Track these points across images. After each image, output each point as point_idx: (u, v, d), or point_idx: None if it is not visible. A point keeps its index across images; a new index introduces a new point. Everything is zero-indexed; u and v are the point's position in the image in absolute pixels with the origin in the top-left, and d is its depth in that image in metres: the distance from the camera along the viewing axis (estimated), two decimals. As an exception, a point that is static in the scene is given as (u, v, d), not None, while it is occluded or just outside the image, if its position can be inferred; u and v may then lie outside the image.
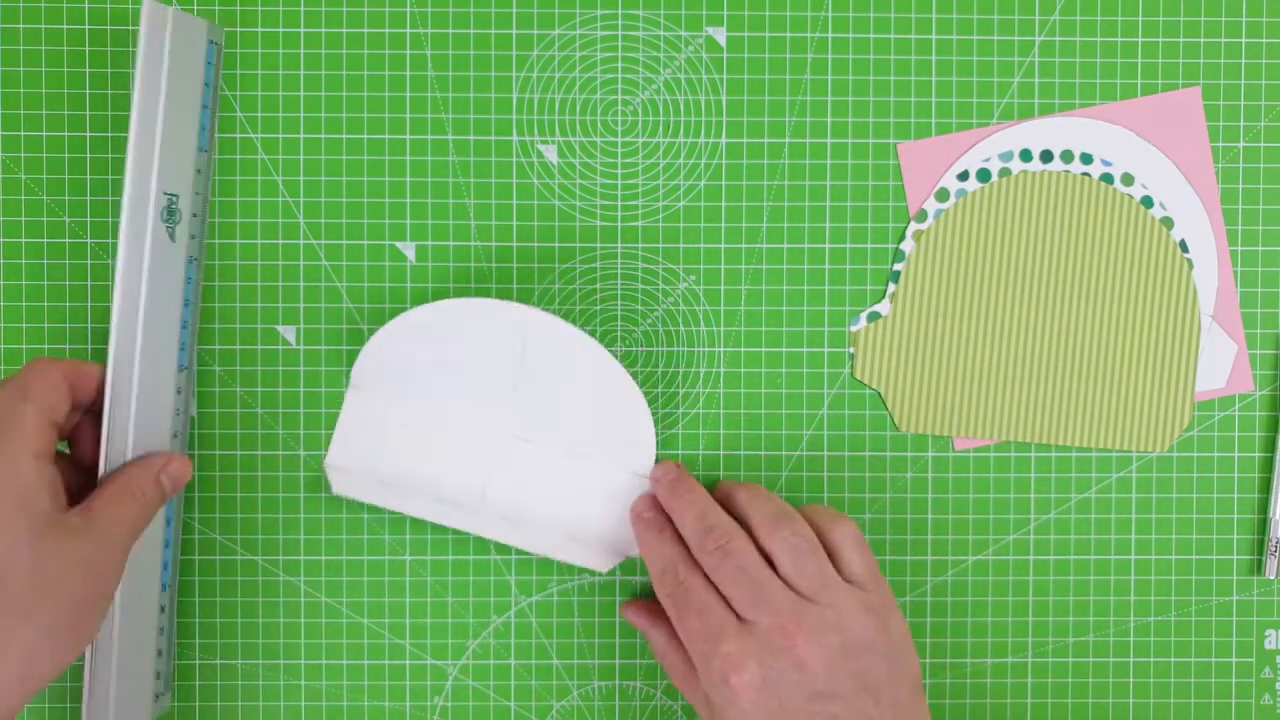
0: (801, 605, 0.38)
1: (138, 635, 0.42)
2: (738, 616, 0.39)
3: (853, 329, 0.46)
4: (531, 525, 0.44)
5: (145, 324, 0.41)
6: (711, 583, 0.40)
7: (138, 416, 0.41)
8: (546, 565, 0.46)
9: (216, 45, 0.43)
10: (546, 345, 0.43)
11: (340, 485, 0.44)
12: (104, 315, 0.45)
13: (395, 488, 0.44)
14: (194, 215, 0.42)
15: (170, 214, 0.41)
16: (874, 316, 0.46)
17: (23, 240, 0.45)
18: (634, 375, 0.46)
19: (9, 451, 0.36)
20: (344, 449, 0.44)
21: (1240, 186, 0.46)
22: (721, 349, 0.46)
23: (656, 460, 0.44)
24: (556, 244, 0.45)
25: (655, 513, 0.43)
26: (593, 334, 0.45)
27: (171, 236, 0.41)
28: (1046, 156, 0.46)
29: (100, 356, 0.42)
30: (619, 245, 0.45)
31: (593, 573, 0.46)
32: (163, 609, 0.43)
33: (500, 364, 0.43)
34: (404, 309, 0.45)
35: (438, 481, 0.44)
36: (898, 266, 0.46)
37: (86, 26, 0.45)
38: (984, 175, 0.46)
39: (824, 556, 0.40)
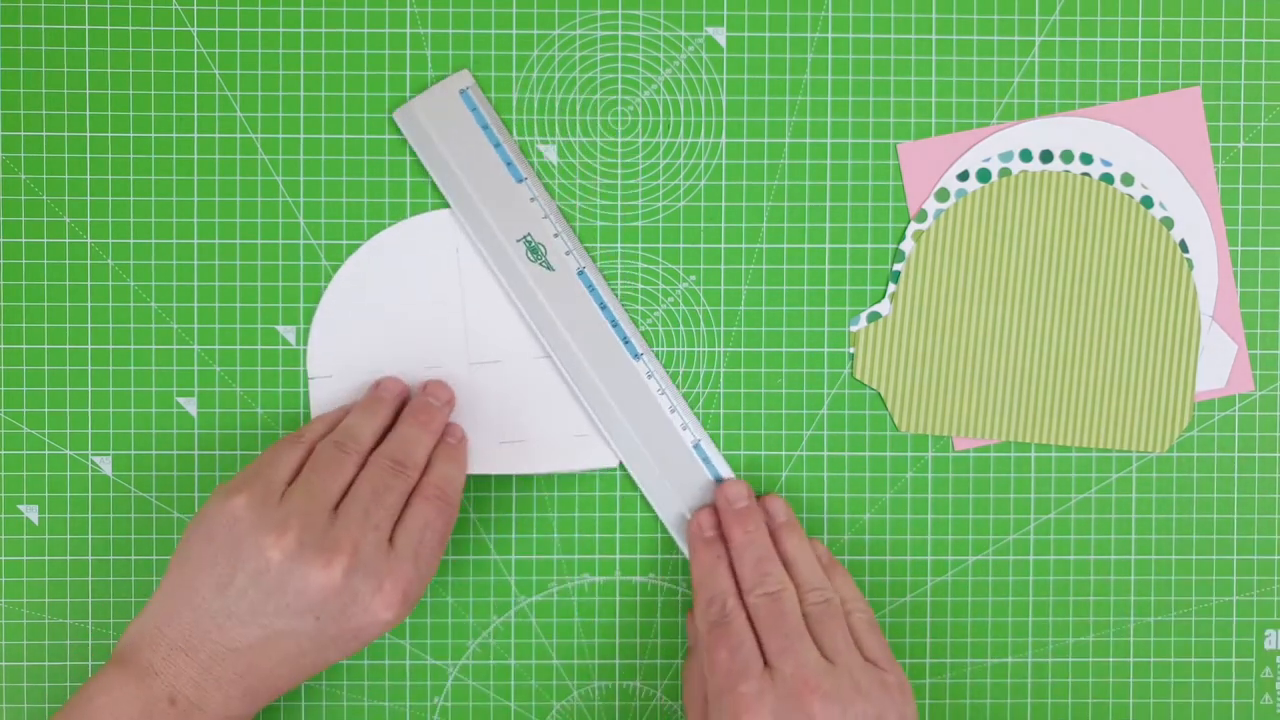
0: (825, 666, 0.39)
1: None
2: (764, 662, 0.39)
3: (853, 329, 0.46)
4: (532, 439, 0.44)
5: (586, 352, 0.44)
6: (750, 624, 0.41)
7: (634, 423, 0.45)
8: (546, 565, 0.46)
9: (469, 89, 0.44)
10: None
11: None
12: (104, 315, 0.45)
13: None
14: (555, 235, 0.44)
15: (534, 251, 0.44)
16: (874, 316, 0.46)
17: (23, 240, 0.45)
18: (634, 375, 0.46)
19: None
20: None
21: (1240, 186, 0.46)
22: (721, 349, 0.46)
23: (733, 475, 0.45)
24: (556, 244, 0.45)
25: (716, 533, 0.44)
26: (593, 334, 0.45)
27: (548, 266, 0.44)
28: (1046, 156, 0.46)
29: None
30: (619, 245, 0.45)
31: (607, 473, 0.46)
32: None
33: (441, 284, 0.44)
34: (404, 309, 0.45)
35: None
36: (898, 266, 0.46)
37: (86, 27, 0.45)
38: (984, 175, 0.46)
39: (847, 628, 0.41)
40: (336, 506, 0.39)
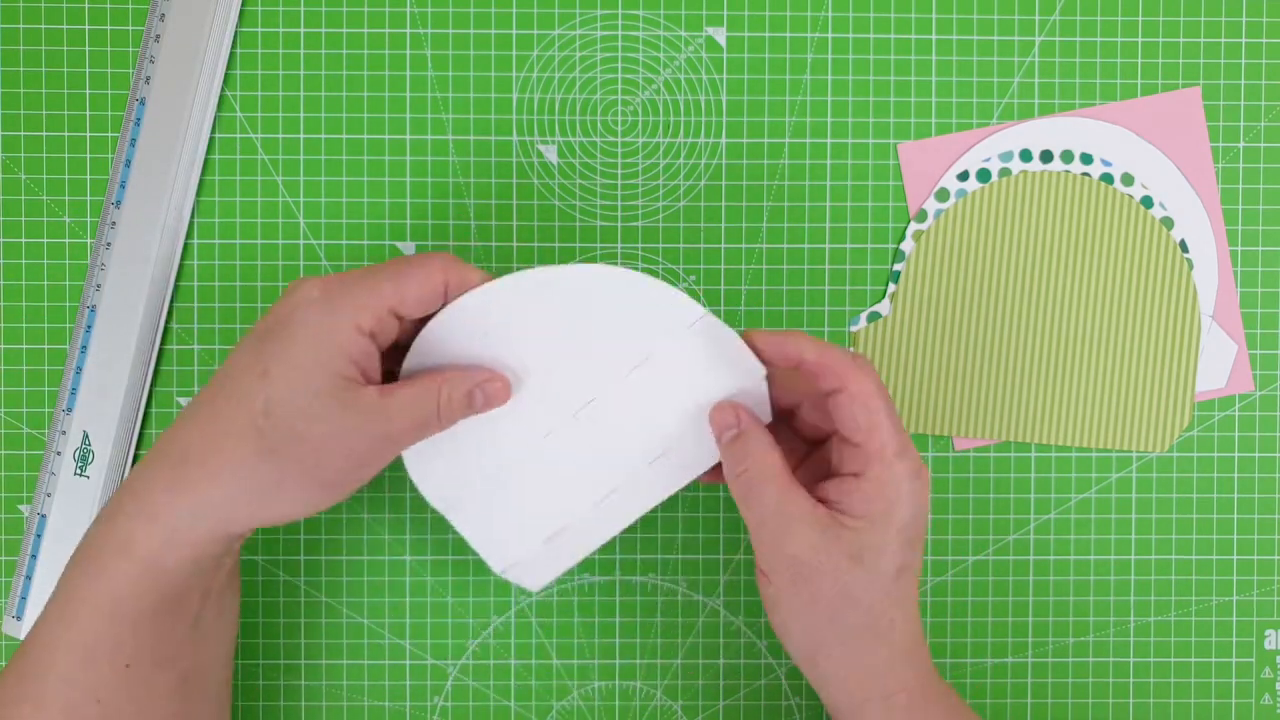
0: None
1: None
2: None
3: (853, 329, 0.46)
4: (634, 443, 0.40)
5: None
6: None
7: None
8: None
9: None
10: (579, 300, 0.38)
11: (531, 579, 0.41)
12: (104, 315, 0.45)
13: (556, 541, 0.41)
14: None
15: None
16: (874, 316, 0.46)
17: (23, 240, 0.45)
18: (634, 375, 0.46)
19: (336, 313, 0.36)
20: (493, 552, 0.41)
21: (1240, 186, 0.46)
22: (721, 349, 0.46)
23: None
24: (556, 244, 0.45)
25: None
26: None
27: None
28: (1046, 156, 0.46)
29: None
30: (619, 245, 0.45)
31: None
32: None
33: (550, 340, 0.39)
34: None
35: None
36: (898, 266, 0.46)
37: (86, 26, 0.45)
38: (984, 175, 0.46)
39: None
40: None
